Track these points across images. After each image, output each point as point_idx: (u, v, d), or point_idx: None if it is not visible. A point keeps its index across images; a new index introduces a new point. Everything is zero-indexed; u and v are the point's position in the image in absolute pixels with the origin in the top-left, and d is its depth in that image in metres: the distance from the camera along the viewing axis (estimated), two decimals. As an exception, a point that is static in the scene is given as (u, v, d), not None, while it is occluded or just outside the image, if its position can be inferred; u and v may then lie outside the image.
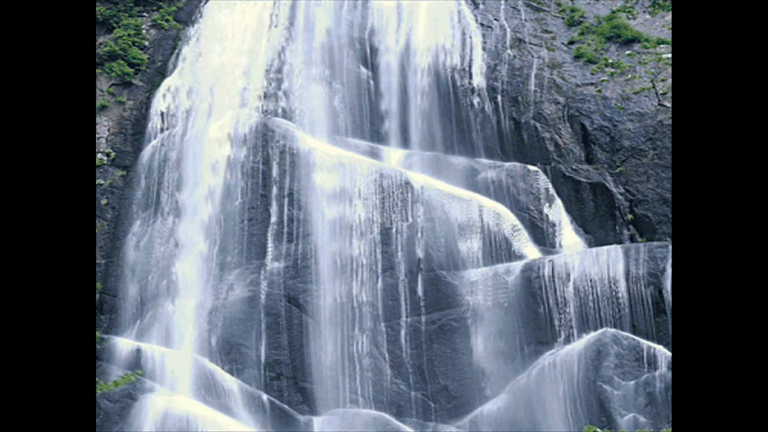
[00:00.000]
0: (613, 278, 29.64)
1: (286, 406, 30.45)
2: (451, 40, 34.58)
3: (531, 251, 31.38)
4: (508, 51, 34.44)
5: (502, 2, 35.83)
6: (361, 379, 30.52)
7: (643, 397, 28.34)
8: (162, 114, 34.44)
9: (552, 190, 32.20)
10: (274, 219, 32.22)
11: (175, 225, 32.58)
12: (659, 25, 35.21)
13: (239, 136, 33.20)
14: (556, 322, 29.80)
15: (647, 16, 35.76)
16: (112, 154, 34.40)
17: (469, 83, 33.87)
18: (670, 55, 33.43)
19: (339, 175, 32.49)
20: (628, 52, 34.35)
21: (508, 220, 31.71)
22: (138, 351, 31.06)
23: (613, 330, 29.17)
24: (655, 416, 28.12)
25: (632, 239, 31.28)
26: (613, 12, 35.81)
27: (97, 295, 32.13)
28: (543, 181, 32.30)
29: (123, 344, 31.31)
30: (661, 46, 34.12)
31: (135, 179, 33.77)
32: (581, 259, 30.12)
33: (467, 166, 32.96)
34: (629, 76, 33.41)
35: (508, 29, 35.01)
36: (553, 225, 31.85)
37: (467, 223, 31.61)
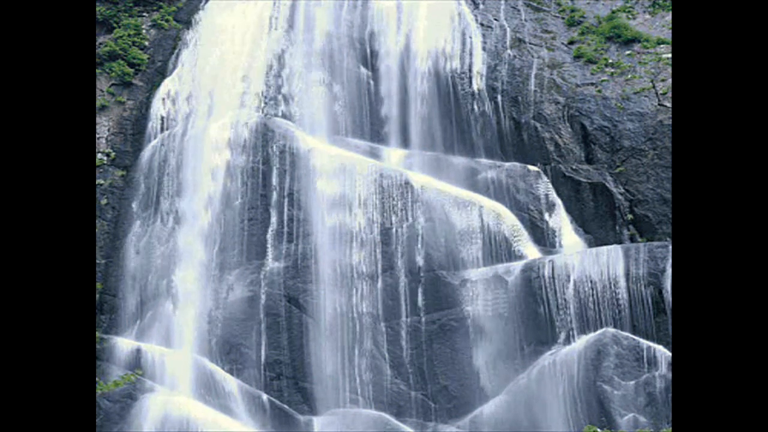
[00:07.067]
0: (613, 278, 29.63)
1: (286, 406, 30.45)
2: (451, 41, 34.55)
3: (531, 251, 31.36)
4: (508, 51, 34.43)
5: (502, 2, 35.82)
6: (361, 379, 30.51)
7: (643, 397, 28.33)
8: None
9: (552, 190, 32.18)
10: (274, 219, 32.21)
11: (174, 231, 32.58)
12: (659, 25, 35.20)
13: (239, 135, 33.21)
14: (556, 322, 29.79)
15: (647, 16, 35.76)
16: (112, 154, 34.40)
17: (469, 83, 33.85)
18: (670, 55, 33.43)
19: (339, 176, 32.47)
20: (628, 52, 34.34)
21: (508, 220, 31.69)
22: (138, 351, 31.06)
23: (613, 330, 29.15)
24: (655, 416, 28.12)
25: (632, 239, 31.26)
26: (613, 12, 35.80)
27: (97, 295, 32.12)
28: (543, 181, 32.29)
29: (123, 344, 31.31)
30: (661, 46, 34.12)
31: (135, 179, 33.77)
32: (581, 259, 30.11)
33: (467, 166, 32.94)
34: (629, 76, 33.40)
35: (508, 29, 34.99)
36: (553, 225, 31.83)
37: (467, 224, 31.59)
